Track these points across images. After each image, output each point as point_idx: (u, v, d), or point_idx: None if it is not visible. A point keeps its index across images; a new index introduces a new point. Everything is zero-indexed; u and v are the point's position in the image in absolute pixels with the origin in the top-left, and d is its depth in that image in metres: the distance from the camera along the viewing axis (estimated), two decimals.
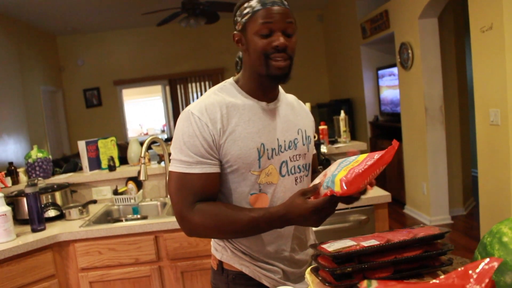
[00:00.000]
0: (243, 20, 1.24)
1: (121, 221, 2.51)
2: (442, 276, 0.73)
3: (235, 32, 1.29)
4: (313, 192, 1.12)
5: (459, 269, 0.71)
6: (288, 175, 1.32)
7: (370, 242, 1.00)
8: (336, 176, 1.06)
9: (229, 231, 1.22)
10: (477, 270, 0.68)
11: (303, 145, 1.36)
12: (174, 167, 1.23)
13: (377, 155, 1.05)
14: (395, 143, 1.06)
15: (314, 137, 1.52)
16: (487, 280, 0.66)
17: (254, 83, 1.30)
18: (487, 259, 0.70)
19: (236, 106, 1.27)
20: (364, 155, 1.09)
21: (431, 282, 0.72)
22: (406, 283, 0.75)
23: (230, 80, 1.35)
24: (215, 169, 1.23)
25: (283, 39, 1.20)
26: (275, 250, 1.32)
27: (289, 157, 1.32)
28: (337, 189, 1.04)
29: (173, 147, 1.24)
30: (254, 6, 1.22)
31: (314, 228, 1.54)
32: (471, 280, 0.67)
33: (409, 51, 4.63)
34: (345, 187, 1.02)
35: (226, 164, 1.24)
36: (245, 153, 1.23)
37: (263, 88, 1.30)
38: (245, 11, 1.24)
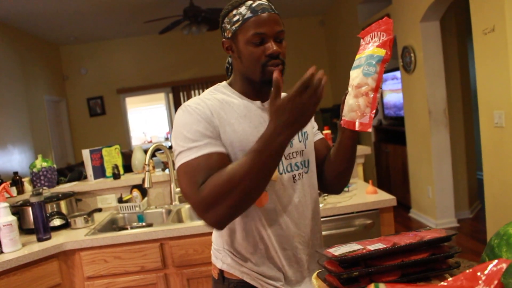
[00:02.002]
0: (233, 27, 1.23)
1: (126, 229, 2.51)
2: (450, 279, 0.73)
3: (224, 39, 1.29)
4: (279, 91, 1.05)
5: (467, 271, 0.70)
6: (285, 173, 1.30)
7: (376, 245, 1.00)
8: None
9: (241, 180, 1.06)
10: (486, 272, 0.68)
11: (299, 142, 1.35)
12: (180, 160, 1.17)
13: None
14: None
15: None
16: (496, 282, 0.66)
17: (247, 86, 1.30)
18: (495, 261, 0.69)
19: (232, 103, 1.27)
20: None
21: (439, 284, 0.72)
22: (414, 286, 0.74)
23: (223, 83, 1.36)
24: (223, 149, 1.18)
25: (276, 47, 1.20)
26: (278, 249, 1.30)
27: (284, 155, 1.29)
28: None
29: (176, 141, 1.19)
30: (244, 13, 1.21)
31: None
32: (480, 282, 0.67)
33: (412, 54, 4.63)
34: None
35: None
36: (246, 145, 1.18)
37: (256, 90, 1.30)
38: (235, 19, 1.23)
